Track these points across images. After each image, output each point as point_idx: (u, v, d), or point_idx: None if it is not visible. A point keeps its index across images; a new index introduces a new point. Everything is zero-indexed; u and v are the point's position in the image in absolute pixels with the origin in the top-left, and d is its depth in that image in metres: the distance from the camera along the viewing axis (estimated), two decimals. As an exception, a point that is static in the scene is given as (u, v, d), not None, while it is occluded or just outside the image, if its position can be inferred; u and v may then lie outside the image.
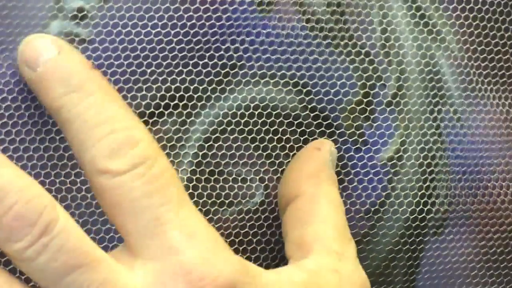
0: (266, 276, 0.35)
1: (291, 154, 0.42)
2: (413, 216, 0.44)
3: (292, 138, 0.43)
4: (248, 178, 0.42)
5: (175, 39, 0.40)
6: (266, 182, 0.42)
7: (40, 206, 0.31)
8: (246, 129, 0.42)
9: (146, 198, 0.32)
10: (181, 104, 0.40)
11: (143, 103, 0.40)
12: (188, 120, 0.41)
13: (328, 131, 0.43)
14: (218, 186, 0.41)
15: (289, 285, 0.35)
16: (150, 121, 0.40)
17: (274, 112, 0.42)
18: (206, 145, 0.41)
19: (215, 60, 0.41)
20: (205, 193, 0.41)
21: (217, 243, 0.33)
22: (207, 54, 0.41)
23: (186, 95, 0.41)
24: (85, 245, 0.32)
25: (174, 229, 0.32)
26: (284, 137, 0.42)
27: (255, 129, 0.42)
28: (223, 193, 0.41)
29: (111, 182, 0.32)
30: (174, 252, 0.32)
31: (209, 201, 0.41)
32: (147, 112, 0.40)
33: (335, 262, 0.37)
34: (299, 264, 0.37)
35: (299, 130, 0.43)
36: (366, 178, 0.44)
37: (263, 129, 0.42)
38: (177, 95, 0.40)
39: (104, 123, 0.33)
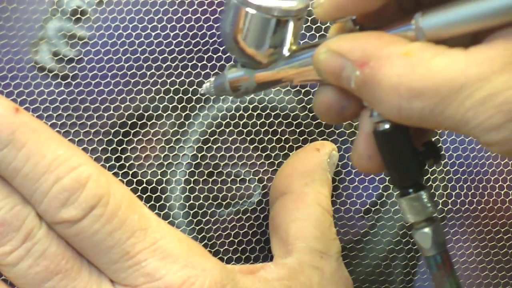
0: (244, 278, 0.35)
1: (290, 154, 0.42)
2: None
3: (291, 138, 0.43)
4: (247, 178, 0.42)
5: (174, 41, 0.41)
6: (265, 182, 0.42)
7: (23, 213, 0.31)
8: (245, 130, 0.42)
9: (110, 238, 0.31)
10: (179, 106, 0.41)
11: (142, 105, 0.40)
12: (187, 122, 0.41)
13: (327, 130, 0.43)
14: (216, 187, 0.41)
15: (266, 284, 0.35)
16: (149, 123, 0.40)
17: (273, 113, 0.42)
18: (205, 146, 0.41)
19: (213, 62, 0.41)
20: (203, 195, 0.41)
21: (192, 253, 0.33)
22: (205, 56, 0.41)
23: (185, 97, 0.41)
24: (67, 253, 0.32)
25: (147, 258, 0.32)
26: (283, 137, 0.42)
27: (254, 129, 0.42)
28: (221, 194, 0.41)
29: (71, 230, 0.31)
30: (152, 278, 0.32)
31: (207, 202, 0.41)
32: (146, 114, 0.40)
33: (317, 260, 0.37)
34: (281, 262, 0.37)
35: (298, 130, 0.43)
36: (367, 178, 0.44)
37: (262, 129, 0.42)
38: (176, 97, 0.41)
39: (46, 173, 0.31)
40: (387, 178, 0.44)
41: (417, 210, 0.31)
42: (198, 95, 0.41)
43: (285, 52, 0.33)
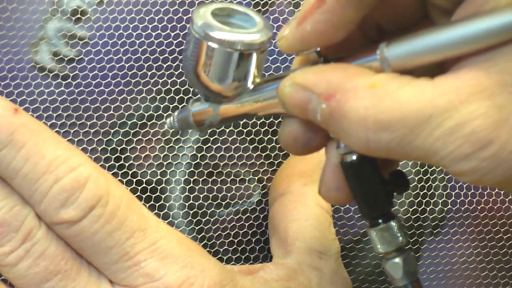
0: (243, 278, 0.35)
1: (290, 154, 0.42)
2: (415, 216, 0.44)
3: (291, 138, 0.43)
4: (247, 178, 0.42)
5: (175, 41, 0.41)
6: (264, 182, 0.42)
7: (23, 213, 0.32)
8: (245, 130, 0.42)
9: (109, 238, 0.32)
10: (180, 106, 0.41)
11: (142, 105, 0.40)
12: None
13: (327, 131, 0.43)
14: (215, 187, 0.41)
15: (266, 285, 0.35)
16: (149, 123, 0.40)
17: (273, 113, 0.42)
18: (204, 146, 0.41)
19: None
20: (202, 195, 0.41)
21: (191, 253, 0.33)
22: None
23: (186, 97, 0.41)
24: (67, 253, 0.32)
25: (146, 258, 0.32)
26: (283, 138, 0.42)
27: (253, 130, 0.42)
28: (221, 194, 0.41)
29: (71, 231, 0.31)
30: (151, 278, 0.32)
31: (206, 202, 0.41)
32: (146, 114, 0.40)
33: (316, 260, 0.37)
34: (280, 262, 0.38)
35: (298, 130, 0.43)
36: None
37: (262, 129, 0.42)
38: (177, 97, 0.41)
39: (46, 173, 0.31)
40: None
41: (387, 241, 0.31)
42: (199, 95, 0.41)
43: (249, 85, 0.32)
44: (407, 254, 0.31)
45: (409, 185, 0.32)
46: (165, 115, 0.40)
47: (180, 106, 0.41)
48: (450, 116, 0.26)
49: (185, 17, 0.41)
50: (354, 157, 0.30)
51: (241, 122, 0.42)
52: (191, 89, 0.41)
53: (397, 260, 0.31)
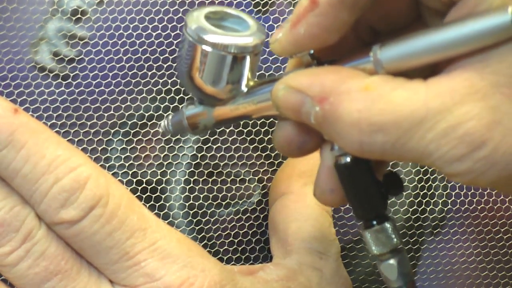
0: (243, 278, 0.35)
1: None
2: (415, 216, 0.44)
3: (291, 138, 0.43)
4: (247, 178, 0.42)
5: (175, 41, 0.41)
6: (264, 182, 0.42)
7: (23, 213, 0.32)
8: (245, 130, 0.42)
9: (109, 238, 0.32)
10: (180, 106, 0.41)
11: (143, 105, 0.40)
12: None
13: (327, 131, 0.43)
14: (215, 187, 0.41)
15: (266, 285, 0.35)
16: (149, 123, 0.40)
17: (273, 113, 0.42)
18: (205, 146, 0.41)
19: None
20: (202, 195, 0.41)
21: (191, 253, 0.33)
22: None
23: (186, 97, 0.41)
24: (67, 253, 0.32)
25: (146, 258, 0.32)
26: (283, 138, 0.42)
27: (253, 130, 0.42)
28: (221, 194, 0.41)
29: (71, 231, 0.31)
30: (151, 278, 0.32)
31: (206, 202, 0.41)
32: (146, 114, 0.40)
33: (317, 261, 0.38)
34: (280, 262, 0.38)
35: (298, 130, 0.43)
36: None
37: (262, 129, 0.42)
38: (177, 97, 0.41)
39: (46, 173, 0.31)
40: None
41: (382, 242, 0.31)
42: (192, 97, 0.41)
43: (243, 87, 0.32)
44: (402, 255, 0.31)
45: (403, 187, 0.32)
46: (165, 115, 0.40)
47: (180, 106, 0.41)
48: (443, 118, 0.26)
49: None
50: (348, 159, 0.30)
51: (242, 122, 0.42)
52: (191, 89, 0.41)
53: (391, 261, 0.31)
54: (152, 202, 0.40)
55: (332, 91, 0.28)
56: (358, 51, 0.29)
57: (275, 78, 0.31)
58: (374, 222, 0.31)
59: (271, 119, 0.42)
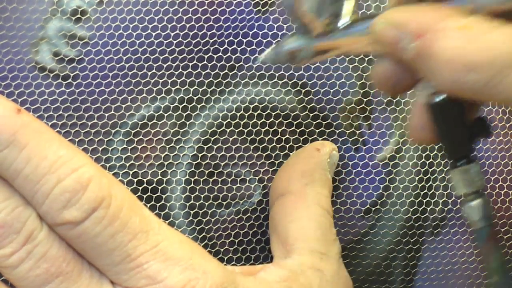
0: (245, 279, 0.35)
1: (291, 154, 0.42)
2: (415, 216, 0.44)
3: (291, 138, 0.43)
4: (247, 178, 0.42)
5: (175, 41, 0.41)
6: (265, 182, 0.42)
7: (24, 214, 0.31)
8: (246, 130, 0.42)
9: (112, 240, 0.31)
10: (180, 106, 0.41)
11: (143, 105, 0.40)
12: (187, 122, 0.41)
13: (327, 130, 0.43)
14: (216, 187, 0.41)
15: (267, 286, 0.35)
16: (150, 123, 0.40)
17: (273, 113, 0.42)
18: (205, 146, 0.41)
19: (214, 62, 0.41)
20: (203, 195, 0.41)
21: (193, 255, 0.33)
22: (206, 56, 0.41)
23: (186, 97, 0.41)
24: (68, 255, 0.32)
25: (149, 260, 0.32)
26: (283, 137, 0.43)
27: (254, 130, 0.42)
28: (221, 194, 0.41)
29: (73, 232, 0.31)
30: (153, 280, 0.32)
31: (207, 202, 0.41)
32: (147, 114, 0.40)
33: (317, 261, 0.37)
34: (281, 263, 0.37)
35: (298, 130, 0.43)
36: (367, 178, 0.44)
37: (263, 129, 0.42)
38: (177, 97, 0.41)
39: (48, 174, 0.31)
40: (387, 178, 0.44)
41: (468, 182, 0.32)
42: (199, 96, 0.41)
43: (343, 22, 0.33)
44: (485, 198, 0.32)
45: (492, 131, 0.33)
46: (165, 115, 0.40)
47: (181, 106, 0.41)
48: None
49: (185, 17, 0.41)
50: (441, 98, 0.31)
51: (242, 122, 0.42)
52: (191, 89, 0.41)
53: (476, 202, 0.32)
54: (153, 202, 0.40)
55: (429, 28, 0.28)
56: None
57: (375, 14, 0.32)
58: (461, 162, 0.32)
59: (272, 119, 0.42)
